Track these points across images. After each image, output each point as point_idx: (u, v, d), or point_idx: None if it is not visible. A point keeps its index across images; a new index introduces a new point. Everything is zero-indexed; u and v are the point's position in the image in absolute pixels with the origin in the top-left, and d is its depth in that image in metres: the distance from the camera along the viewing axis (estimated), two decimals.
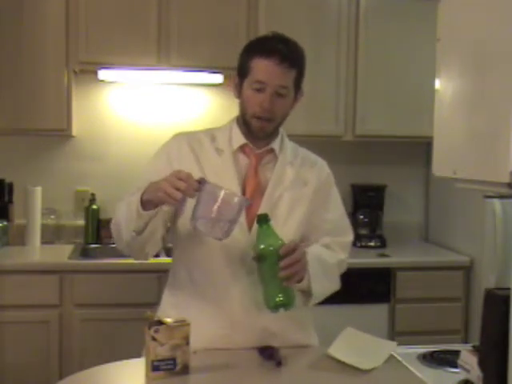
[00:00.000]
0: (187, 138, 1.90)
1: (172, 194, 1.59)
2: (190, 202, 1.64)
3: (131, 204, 1.72)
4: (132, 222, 1.72)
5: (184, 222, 1.77)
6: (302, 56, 1.85)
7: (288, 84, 1.80)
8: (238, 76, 1.85)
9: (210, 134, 1.92)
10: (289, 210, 1.87)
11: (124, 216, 1.76)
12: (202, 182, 1.61)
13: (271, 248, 1.65)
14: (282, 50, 1.76)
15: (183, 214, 1.73)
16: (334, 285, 1.92)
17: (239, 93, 1.84)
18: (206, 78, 3.53)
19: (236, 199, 1.64)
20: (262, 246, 1.65)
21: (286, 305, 1.67)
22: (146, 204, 1.68)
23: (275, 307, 1.67)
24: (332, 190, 1.99)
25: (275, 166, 1.89)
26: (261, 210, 1.82)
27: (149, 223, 1.72)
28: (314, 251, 1.82)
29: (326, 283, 1.85)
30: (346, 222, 2.01)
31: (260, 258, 1.66)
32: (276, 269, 1.64)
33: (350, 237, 2.00)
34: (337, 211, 1.98)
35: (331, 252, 1.92)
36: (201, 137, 1.90)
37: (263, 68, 1.76)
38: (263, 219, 1.68)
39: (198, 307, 1.81)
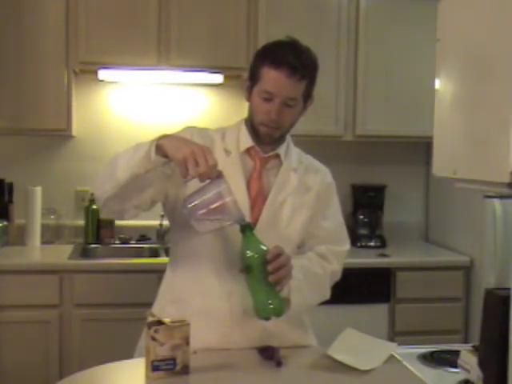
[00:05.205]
0: (200, 133, 1.87)
1: (190, 165, 1.53)
2: (195, 181, 1.59)
3: (142, 145, 1.65)
4: (135, 162, 1.63)
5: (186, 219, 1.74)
6: (314, 66, 1.82)
7: (297, 95, 1.78)
8: (249, 80, 1.83)
9: (221, 133, 1.90)
10: (291, 215, 1.87)
11: (129, 154, 1.68)
12: (219, 176, 1.60)
13: (257, 255, 1.63)
14: (293, 61, 1.73)
15: (183, 186, 1.67)
16: (318, 296, 1.92)
17: (249, 96, 1.83)
18: (206, 78, 3.53)
19: (234, 211, 1.61)
20: (248, 254, 1.64)
21: (278, 312, 1.66)
22: (158, 149, 1.61)
23: (267, 316, 1.66)
24: (332, 198, 1.98)
25: (279, 171, 1.89)
26: (263, 215, 1.82)
27: (149, 172, 1.64)
28: (299, 262, 1.80)
29: (308, 294, 1.83)
30: (343, 232, 2.00)
31: (247, 267, 1.64)
32: (264, 276, 1.63)
33: (346, 247, 1.99)
34: (335, 220, 1.98)
35: (324, 262, 1.91)
36: (213, 135, 1.89)
37: (272, 79, 1.75)
38: (247, 228, 1.65)
39: (198, 305, 1.81)
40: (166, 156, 1.60)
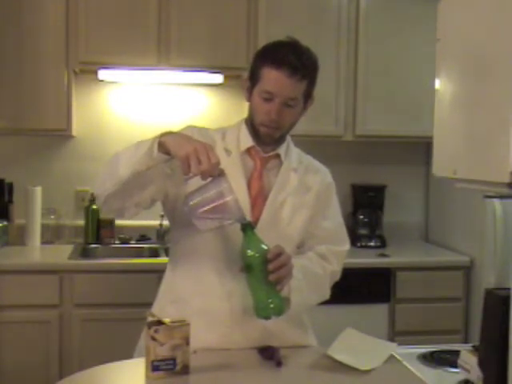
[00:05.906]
0: (200, 133, 1.86)
1: (192, 163, 1.53)
2: (197, 179, 1.59)
3: (144, 142, 1.65)
4: (137, 158, 1.63)
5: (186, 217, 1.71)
6: (315, 66, 1.82)
7: (297, 95, 1.78)
8: (250, 80, 1.83)
9: (222, 132, 1.91)
10: (291, 215, 1.87)
11: (130, 152, 1.67)
12: (221, 174, 1.59)
13: (257, 254, 1.63)
14: (293, 61, 1.74)
15: (184, 183, 1.67)
16: (318, 296, 1.92)
17: (249, 96, 1.83)
18: (206, 78, 3.53)
19: (236, 210, 1.61)
20: (249, 253, 1.64)
21: (278, 311, 1.66)
22: (160, 146, 1.61)
23: (267, 315, 1.66)
24: (332, 198, 1.98)
25: (279, 171, 1.89)
26: (264, 214, 1.82)
27: (151, 169, 1.64)
28: (299, 261, 1.80)
29: (307, 294, 1.83)
30: (343, 232, 2.00)
31: (248, 266, 1.64)
32: (264, 275, 1.63)
33: (346, 247, 2.00)
34: (334, 220, 1.98)
35: (324, 262, 1.91)
36: (213, 135, 1.89)
37: (273, 79, 1.75)
38: (248, 227, 1.65)
39: (198, 305, 1.81)
40: (168, 153, 1.60)
